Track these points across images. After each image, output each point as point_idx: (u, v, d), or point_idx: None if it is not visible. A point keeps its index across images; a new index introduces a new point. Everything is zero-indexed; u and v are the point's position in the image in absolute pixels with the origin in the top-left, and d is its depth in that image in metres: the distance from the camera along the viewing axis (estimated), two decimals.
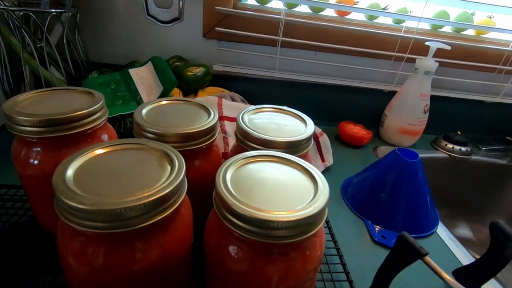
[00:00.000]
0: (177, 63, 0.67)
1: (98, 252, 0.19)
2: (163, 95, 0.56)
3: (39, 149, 0.27)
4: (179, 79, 0.61)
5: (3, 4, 0.48)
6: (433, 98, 0.68)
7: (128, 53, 0.70)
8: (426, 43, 0.64)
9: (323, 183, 0.21)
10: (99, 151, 0.21)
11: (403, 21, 0.72)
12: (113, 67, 0.65)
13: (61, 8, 0.54)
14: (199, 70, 0.65)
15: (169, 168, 0.22)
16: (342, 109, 0.77)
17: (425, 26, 0.75)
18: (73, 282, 0.22)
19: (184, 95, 0.64)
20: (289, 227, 0.18)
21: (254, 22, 0.67)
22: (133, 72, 0.59)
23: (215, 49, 0.70)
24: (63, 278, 0.30)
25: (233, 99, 0.63)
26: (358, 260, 0.38)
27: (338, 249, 0.37)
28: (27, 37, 0.51)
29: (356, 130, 0.69)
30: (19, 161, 0.28)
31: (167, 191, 0.19)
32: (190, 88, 0.65)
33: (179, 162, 0.21)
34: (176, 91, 0.61)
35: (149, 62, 0.61)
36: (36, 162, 0.27)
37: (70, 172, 0.19)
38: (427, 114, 0.68)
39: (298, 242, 0.19)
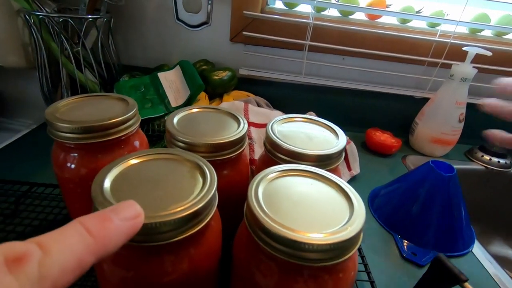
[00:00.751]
0: (204, 67, 0.68)
1: (130, 262, 0.20)
2: (190, 99, 0.57)
3: (76, 154, 0.28)
4: (205, 82, 0.61)
5: (45, 11, 0.51)
6: (469, 106, 0.64)
7: (157, 56, 0.71)
8: (463, 48, 0.60)
9: (358, 203, 0.20)
10: (134, 161, 0.22)
11: (439, 24, 0.69)
12: (142, 70, 0.67)
13: (97, 14, 0.56)
14: (225, 74, 0.65)
15: (201, 180, 0.21)
16: (369, 116, 0.74)
17: (463, 29, 0.71)
18: (105, 287, 0.22)
19: (210, 99, 0.64)
20: (322, 250, 0.18)
21: (281, 26, 0.66)
22: (162, 75, 0.60)
23: (241, 53, 0.70)
24: (94, 278, 0.31)
25: (258, 104, 0.63)
26: (387, 278, 0.36)
27: (366, 265, 0.35)
28: (65, 41, 0.53)
29: (384, 137, 0.66)
30: (57, 164, 0.29)
31: (199, 206, 0.19)
32: (216, 92, 0.65)
33: (211, 175, 0.21)
34: (202, 95, 0.62)
35: (177, 66, 0.62)
36: (73, 166, 0.28)
37: (107, 183, 0.19)
38: (463, 123, 0.65)
39: (331, 265, 0.18)
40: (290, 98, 0.72)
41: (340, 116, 0.70)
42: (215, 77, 0.65)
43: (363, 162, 0.61)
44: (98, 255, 0.12)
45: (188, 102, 0.57)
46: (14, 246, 0.10)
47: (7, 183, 0.41)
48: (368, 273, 0.34)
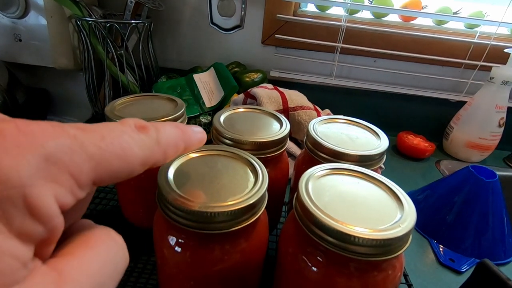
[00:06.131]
0: (236, 69, 0.70)
1: (188, 247, 0.21)
2: (224, 100, 0.59)
3: None
4: (237, 84, 0.63)
5: (94, 17, 0.55)
6: (510, 110, 0.62)
7: (192, 59, 0.74)
8: (505, 50, 0.58)
9: (408, 203, 0.21)
10: (193, 155, 0.24)
11: (477, 26, 0.66)
12: (177, 72, 0.70)
13: (139, 19, 0.60)
14: (256, 76, 0.67)
15: (252, 175, 0.23)
16: (401, 119, 0.73)
17: (504, 31, 0.68)
18: (163, 270, 0.24)
19: None
20: (374, 245, 0.18)
21: (313, 28, 0.67)
22: (197, 77, 0.63)
23: (272, 55, 0.72)
24: (141, 265, 0.33)
25: None
26: (424, 282, 0.36)
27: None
28: (110, 45, 0.57)
29: (416, 141, 0.65)
30: None
31: (254, 199, 0.20)
32: None
33: (263, 172, 0.23)
34: (234, 97, 0.64)
35: (212, 68, 0.64)
36: None
37: (171, 173, 0.21)
38: (503, 128, 0.62)
39: (380, 261, 0.19)
40: (321, 100, 0.72)
41: (370, 119, 0.69)
42: (247, 79, 0.66)
43: (394, 166, 0.60)
44: (186, 143, 0.16)
45: (222, 103, 0.59)
46: (139, 120, 0.14)
47: None
48: (406, 276, 0.34)
